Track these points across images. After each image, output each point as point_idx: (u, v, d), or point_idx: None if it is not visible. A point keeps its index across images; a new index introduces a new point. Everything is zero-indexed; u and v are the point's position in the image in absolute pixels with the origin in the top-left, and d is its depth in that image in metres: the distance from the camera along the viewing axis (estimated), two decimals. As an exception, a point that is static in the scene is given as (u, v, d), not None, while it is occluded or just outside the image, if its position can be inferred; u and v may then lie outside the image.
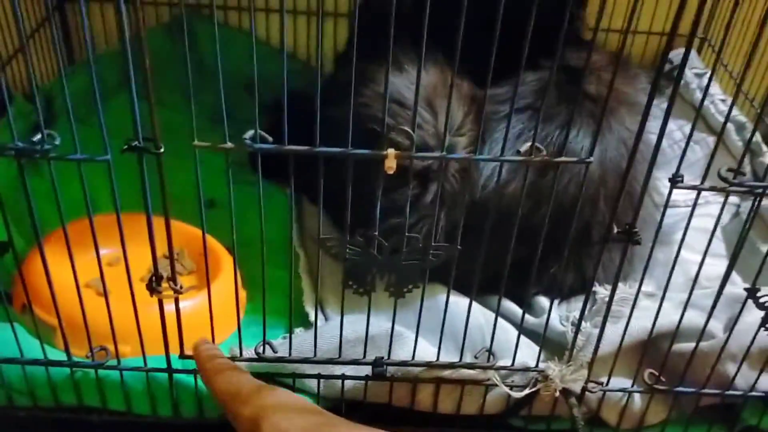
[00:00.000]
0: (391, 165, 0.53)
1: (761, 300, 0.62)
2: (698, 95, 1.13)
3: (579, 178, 0.71)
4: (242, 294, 0.83)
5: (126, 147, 0.53)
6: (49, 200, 0.57)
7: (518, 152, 0.54)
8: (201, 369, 0.65)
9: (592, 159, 0.55)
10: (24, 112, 0.89)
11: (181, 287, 0.62)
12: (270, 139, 0.53)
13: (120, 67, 1.08)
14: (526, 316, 0.78)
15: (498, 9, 0.47)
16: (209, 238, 0.80)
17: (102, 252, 0.67)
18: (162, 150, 0.54)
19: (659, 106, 1.18)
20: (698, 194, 0.58)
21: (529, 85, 0.75)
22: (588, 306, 0.76)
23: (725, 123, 0.60)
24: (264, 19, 1.20)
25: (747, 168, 1.02)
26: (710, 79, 0.62)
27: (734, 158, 1.03)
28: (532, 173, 0.67)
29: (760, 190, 0.57)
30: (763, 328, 0.64)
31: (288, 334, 0.75)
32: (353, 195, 0.56)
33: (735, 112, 1.09)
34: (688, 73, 1.16)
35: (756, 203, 0.58)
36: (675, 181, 0.56)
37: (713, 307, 0.64)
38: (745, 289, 0.62)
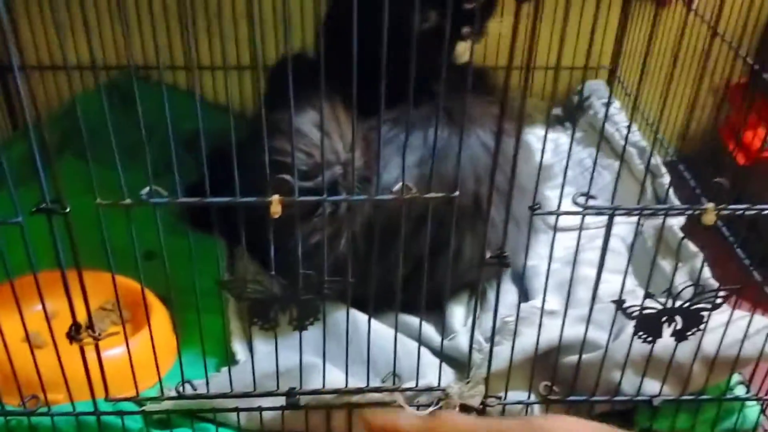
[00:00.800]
0: (276, 210, 0.59)
1: (629, 311, 0.68)
2: (605, 124, 1.20)
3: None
4: (173, 339, 0.88)
5: (35, 209, 0.59)
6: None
7: (391, 191, 0.61)
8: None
9: (457, 193, 0.61)
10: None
11: (99, 334, 0.68)
12: (164, 193, 0.59)
13: (61, 130, 1.16)
14: (439, 338, 0.84)
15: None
16: (139, 288, 0.86)
17: (38, 308, 0.72)
18: (68, 210, 0.59)
19: (569, 133, 1.25)
20: (557, 218, 0.64)
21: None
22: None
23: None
24: (198, 76, 1.27)
25: (649, 189, 1.09)
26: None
27: (637, 181, 1.11)
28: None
29: (610, 212, 0.63)
30: (637, 336, 0.70)
31: (216, 372, 0.80)
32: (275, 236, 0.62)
33: (638, 137, 1.16)
34: (596, 103, 1.25)
35: (610, 222, 0.64)
36: (533, 209, 0.62)
37: (588, 319, 0.70)
38: (612, 301, 0.68)
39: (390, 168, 0.82)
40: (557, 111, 1.29)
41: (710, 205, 0.62)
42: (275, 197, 0.59)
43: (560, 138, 1.23)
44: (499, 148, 0.60)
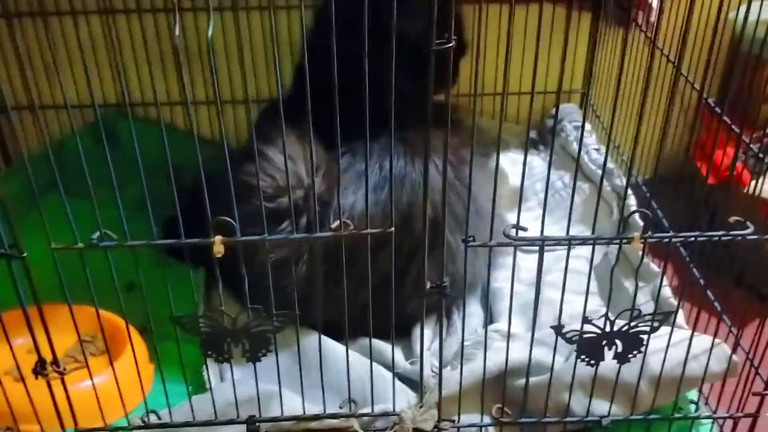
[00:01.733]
0: (219, 250, 0.63)
1: (568, 335, 0.70)
2: (575, 146, 1.23)
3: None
4: (150, 368, 0.91)
5: (-5, 254, 0.63)
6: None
7: (330, 228, 0.64)
8: None
9: (392, 229, 0.65)
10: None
11: (64, 369, 0.71)
12: (114, 236, 0.63)
13: (49, 169, 1.20)
14: (403, 362, 0.87)
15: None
16: (117, 319, 0.90)
17: (20, 341, 0.76)
18: (25, 255, 0.63)
19: (544, 157, 1.26)
20: (490, 251, 0.67)
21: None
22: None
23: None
24: (181, 111, 1.31)
25: (615, 210, 1.12)
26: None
27: (606, 202, 1.13)
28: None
29: (540, 243, 0.66)
30: (580, 360, 0.72)
31: (186, 402, 0.83)
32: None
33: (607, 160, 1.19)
34: (568, 126, 1.27)
35: (542, 253, 0.67)
36: (466, 241, 0.65)
37: (531, 342, 0.72)
38: (551, 327, 0.70)
39: (347, 193, 0.86)
40: (532, 134, 1.32)
41: (636, 234, 0.65)
42: (217, 238, 0.62)
43: (533, 161, 1.26)
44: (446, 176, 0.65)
